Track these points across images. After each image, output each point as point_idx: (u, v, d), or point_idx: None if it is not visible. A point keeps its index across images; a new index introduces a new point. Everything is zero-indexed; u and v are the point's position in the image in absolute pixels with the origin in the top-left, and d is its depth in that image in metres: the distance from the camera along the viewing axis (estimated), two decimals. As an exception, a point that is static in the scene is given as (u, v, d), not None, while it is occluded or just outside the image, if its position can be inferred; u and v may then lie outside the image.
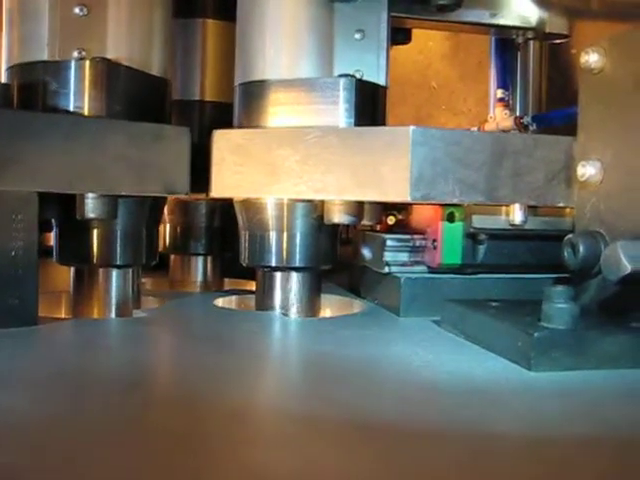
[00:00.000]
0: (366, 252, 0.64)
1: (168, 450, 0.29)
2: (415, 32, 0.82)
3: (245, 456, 0.29)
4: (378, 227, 0.67)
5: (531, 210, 0.58)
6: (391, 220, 0.65)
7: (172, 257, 0.74)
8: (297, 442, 0.31)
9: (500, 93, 0.87)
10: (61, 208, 0.56)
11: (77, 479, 0.26)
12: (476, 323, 0.48)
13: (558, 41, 0.77)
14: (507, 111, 0.87)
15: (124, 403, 0.35)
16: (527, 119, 0.83)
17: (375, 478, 0.27)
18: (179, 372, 0.42)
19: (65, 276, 0.61)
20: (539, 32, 0.76)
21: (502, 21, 0.75)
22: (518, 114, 0.85)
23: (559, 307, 0.43)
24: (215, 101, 0.72)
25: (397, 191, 0.52)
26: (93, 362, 0.44)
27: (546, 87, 0.86)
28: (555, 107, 0.84)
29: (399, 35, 0.76)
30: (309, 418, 0.34)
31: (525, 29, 0.77)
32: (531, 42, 0.81)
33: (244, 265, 0.61)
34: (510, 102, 0.87)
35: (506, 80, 0.87)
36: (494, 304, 0.51)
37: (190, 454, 0.28)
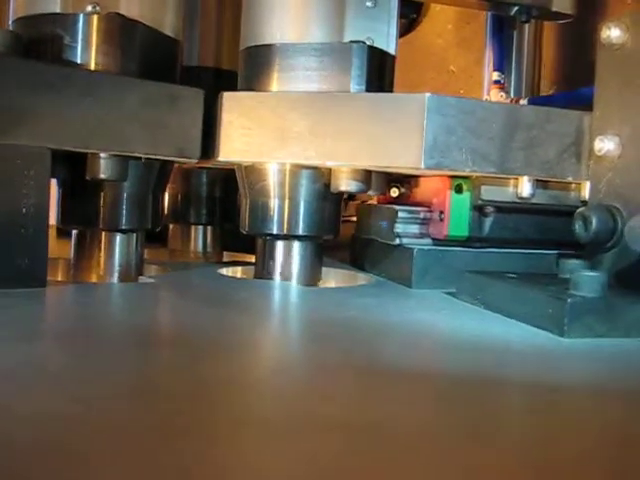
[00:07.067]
0: (379, 223, 0.62)
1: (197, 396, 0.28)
2: (435, 16, 0.81)
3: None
4: (377, 200, 0.66)
5: (539, 184, 0.57)
6: (394, 192, 0.65)
7: (171, 227, 0.73)
8: (324, 392, 0.30)
9: (496, 75, 0.87)
10: (67, 168, 0.54)
11: (96, 427, 0.25)
12: (499, 292, 0.48)
13: (562, 21, 0.76)
14: (503, 93, 0.87)
15: (159, 355, 0.34)
16: (524, 102, 0.83)
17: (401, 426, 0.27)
18: (201, 331, 0.41)
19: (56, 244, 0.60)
20: (542, 10, 0.74)
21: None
22: (513, 96, 0.86)
23: (589, 275, 0.43)
24: (213, 67, 0.70)
25: (410, 158, 0.51)
26: (113, 320, 0.43)
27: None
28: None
29: (407, 8, 0.75)
30: (336, 369, 0.33)
31: (526, 6, 0.72)
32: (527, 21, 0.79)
33: (244, 233, 0.60)
34: (505, 84, 0.87)
35: (503, 62, 0.87)
36: (512, 275, 0.51)
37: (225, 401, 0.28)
